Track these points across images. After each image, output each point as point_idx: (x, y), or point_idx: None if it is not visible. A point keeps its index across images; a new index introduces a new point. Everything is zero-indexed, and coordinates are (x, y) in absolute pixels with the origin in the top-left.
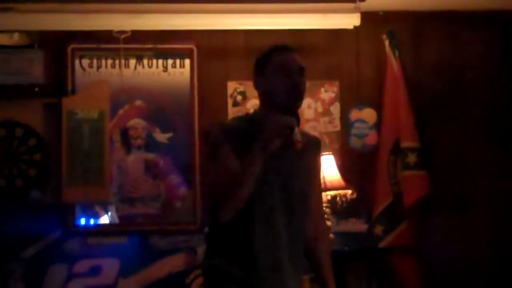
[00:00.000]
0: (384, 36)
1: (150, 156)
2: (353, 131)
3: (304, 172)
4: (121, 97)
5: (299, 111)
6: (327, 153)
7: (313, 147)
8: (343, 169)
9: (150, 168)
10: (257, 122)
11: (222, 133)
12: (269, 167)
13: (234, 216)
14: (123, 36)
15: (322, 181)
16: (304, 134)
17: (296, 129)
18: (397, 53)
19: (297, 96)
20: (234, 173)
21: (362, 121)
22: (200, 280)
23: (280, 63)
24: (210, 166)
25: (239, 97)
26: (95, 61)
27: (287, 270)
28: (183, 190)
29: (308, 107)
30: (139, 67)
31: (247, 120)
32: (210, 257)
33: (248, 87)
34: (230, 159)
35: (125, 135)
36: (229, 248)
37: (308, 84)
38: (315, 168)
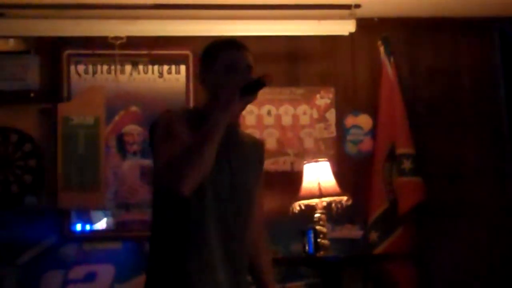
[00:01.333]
0: (379, 43)
1: (146, 162)
2: (349, 137)
3: (249, 173)
4: (117, 103)
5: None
6: (322, 159)
7: (257, 150)
8: (339, 175)
9: (145, 174)
10: (205, 115)
11: (174, 116)
12: (221, 167)
13: (194, 188)
14: (118, 42)
15: (317, 187)
16: (248, 135)
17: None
18: (392, 60)
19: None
20: (192, 144)
21: (357, 127)
22: None
23: (228, 61)
24: (163, 146)
25: None
26: (90, 67)
27: (222, 270)
28: None
29: (303, 114)
30: (135, 73)
31: (195, 112)
32: (154, 264)
33: None
34: (185, 134)
35: (120, 141)
36: (175, 254)
37: (303, 91)
38: (259, 170)
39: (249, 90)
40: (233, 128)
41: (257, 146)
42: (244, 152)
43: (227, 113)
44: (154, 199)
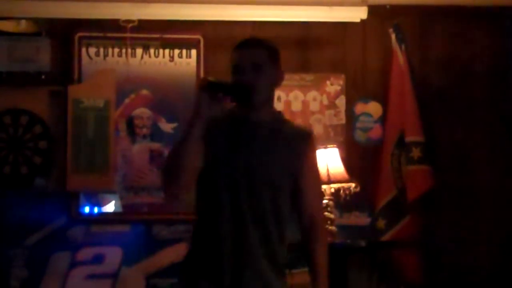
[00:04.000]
0: (391, 30)
1: (155, 145)
2: (358, 124)
3: (275, 163)
4: (127, 86)
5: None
6: (331, 146)
7: (297, 139)
8: (347, 162)
9: (154, 158)
10: (234, 117)
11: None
12: (236, 157)
13: (179, 190)
14: (130, 25)
15: (326, 173)
16: (294, 127)
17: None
18: (403, 47)
19: (242, 94)
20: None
21: (367, 114)
22: None
23: (233, 61)
24: None
25: None
26: (101, 49)
27: (254, 261)
28: None
29: (313, 100)
30: (146, 57)
31: (228, 113)
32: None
33: None
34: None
35: (130, 124)
36: (198, 241)
37: (313, 77)
38: (305, 160)
39: (216, 89)
40: (258, 122)
41: (300, 136)
42: (274, 142)
43: (194, 123)
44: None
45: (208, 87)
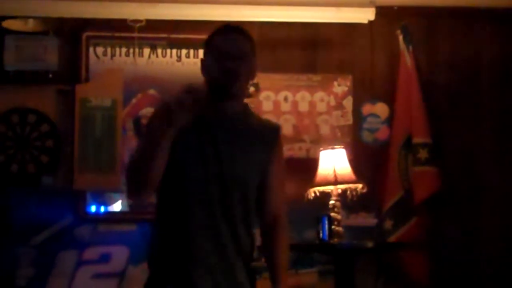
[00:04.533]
0: (398, 31)
1: None
2: (365, 125)
3: (247, 159)
4: (135, 86)
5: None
6: (338, 146)
7: (266, 134)
8: (354, 163)
9: None
10: (205, 109)
11: (158, 111)
12: (207, 151)
13: (147, 193)
14: (137, 25)
15: (333, 174)
16: (262, 121)
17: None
18: (410, 48)
19: (227, 82)
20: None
21: (374, 115)
22: None
23: (215, 47)
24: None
25: (251, 89)
26: (109, 49)
27: (232, 272)
28: None
29: (320, 101)
30: (153, 56)
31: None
32: (150, 250)
33: (261, 79)
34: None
35: (137, 123)
36: (166, 242)
37: (320, 77)
38: (267, 155)
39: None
40: (232, 115)
41: (268, 131)
42: (244, 138)
43: (162, 128)
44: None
45: (193, 90)
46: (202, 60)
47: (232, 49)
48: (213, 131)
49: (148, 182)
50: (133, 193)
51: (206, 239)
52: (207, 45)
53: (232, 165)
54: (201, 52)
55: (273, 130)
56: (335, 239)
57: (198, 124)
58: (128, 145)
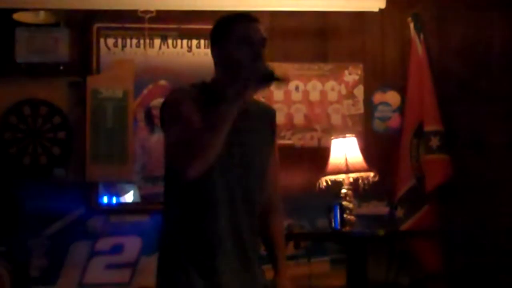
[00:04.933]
0: (409, 19)
1: None
2: (377, 114)
3: (261, 145)
4: (146, 76)
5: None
6: (350, 135)
7: (267, 118)
8: (366, 151)
9: None
10: (213, 91)
11: (182, 95)
12: (231, 140)
13: (200, 174)
14: (148, 16)
15: (344, 163)
16: (259, 104)
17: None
18: (422, 36)
19: (263, 65)
20: (201, 128)
21: (385, 104)
22: None
23: (241, 33)
24: (172, 128)
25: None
26: (120, 40)
27: (249, 258)
28: None
29: (331, 90)
30: (164, 47)
31: (203, 87)
32: (166, 237)
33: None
34: (194, 115)
35: (149, 114)
36: (186, 227)
37: (331, 66)
38: (271, 139)
39: (263, 82)
40: (247, 103)
41: (268, 114)
42: (253, 123)
43: (238, 105)
44: (166, 173)
45: (258, 82)
46: (219, 47)
47: (260, 36)
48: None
49: (209, 162)
50: (195, 168)
51: (227, 226)
52: (227, 32)
53: (252, 152)
54: None
55: (272, 115)
56: (347, 228)
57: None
58: (139, 136)
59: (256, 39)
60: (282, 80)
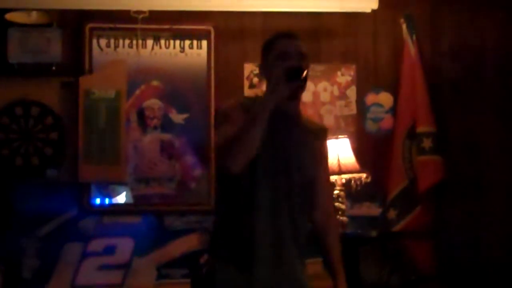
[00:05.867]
0: (402, 20)
1: (166, 136)
2: (369, 115)
3: (308, 158)
4: (138, 77)
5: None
6: (342, 136)
7: (319, 135)
8: (358, 152)
9: (165, 149)
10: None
11: (233, 104)
12: (276, 148)
13: (242, 166)
14: (140, 16)
15: (337, 164)
16: (311, 122)
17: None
18: (414, 37)
19: (295, 75)
20: (240, 127)
21: (378, 105)
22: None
23: (279, 50)
24: (218, 130)
25: (255, 79)
26: (112, 41)
27: (286, 255)
28: (198, 171)
29: (324, 91)
30: (156, 48)
31: (255, 99)
32: (215, 231)
33: None
34: (239, 118)
35: (141, 115)
36: (229, 223)
37: (324, 67)
38: (321, 154)
39: (293, 75)
40: (294, 114)
41: (318, 132)
42: (302, 137)
43: (273, 97)
44: (216, 173)
45: (288, 75)
46: (263, 63)
47: (296, 51)
48: (280, 126)
49: (248, 157)
50: (236, 162)
51: (268, 225)
52: (269, 49)
53: (297, 163)
54: (204, 43)
55: (323, 130)
56: (340, 229)
57: (270, 119)
58: (132, 136)
59: (292, 54)
60: (306, 72)
